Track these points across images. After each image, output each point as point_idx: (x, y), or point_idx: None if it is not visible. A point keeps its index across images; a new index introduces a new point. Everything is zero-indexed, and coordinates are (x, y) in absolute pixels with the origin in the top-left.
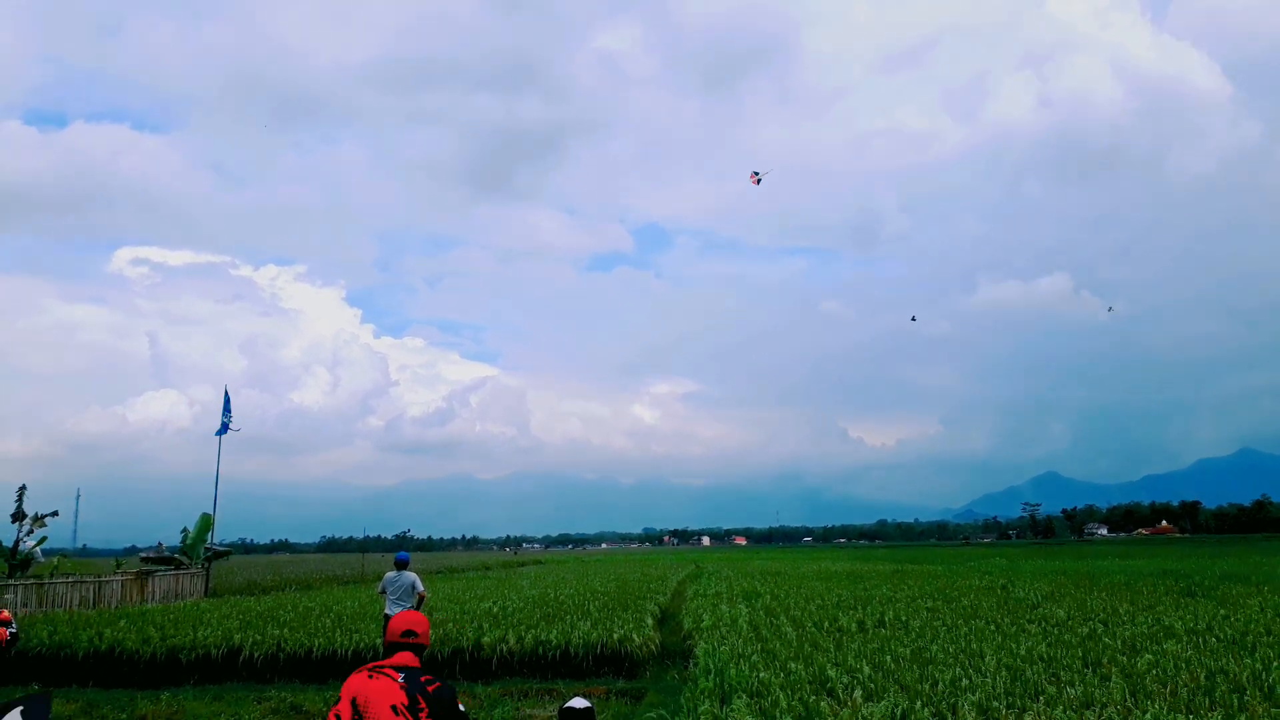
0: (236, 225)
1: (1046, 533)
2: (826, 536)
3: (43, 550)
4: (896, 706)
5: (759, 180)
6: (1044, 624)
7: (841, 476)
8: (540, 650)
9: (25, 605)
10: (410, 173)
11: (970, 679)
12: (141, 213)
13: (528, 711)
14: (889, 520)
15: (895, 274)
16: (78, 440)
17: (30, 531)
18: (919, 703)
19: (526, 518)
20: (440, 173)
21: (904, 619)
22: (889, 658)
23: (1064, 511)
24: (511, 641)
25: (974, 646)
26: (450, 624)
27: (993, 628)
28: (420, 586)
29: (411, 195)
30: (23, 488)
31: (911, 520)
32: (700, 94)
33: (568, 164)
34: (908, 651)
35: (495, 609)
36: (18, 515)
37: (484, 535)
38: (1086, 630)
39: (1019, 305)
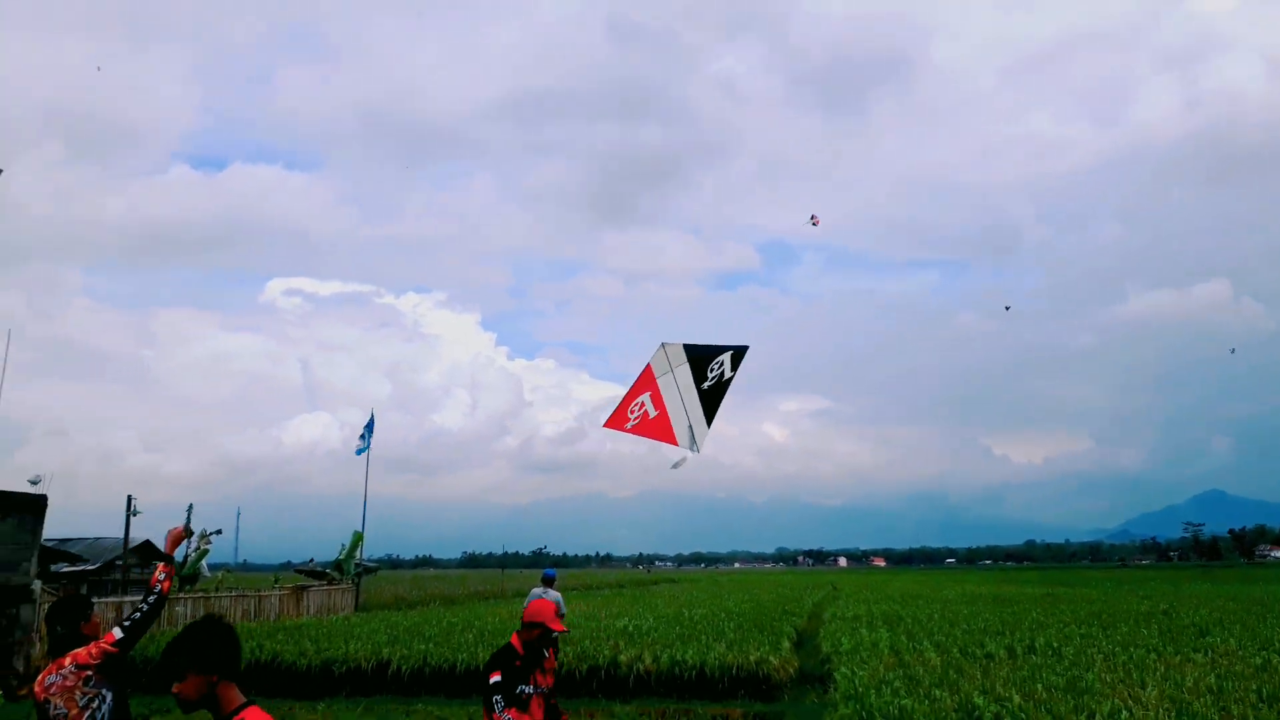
0: (379, 256)
1: (1212, 554)
2: (970, 558)
3: (207, 565)
4: None
5: (817, 223)
6: (1211, 653)
7: (984, 495)
8: (676, 670)
9: (193, 617)
10: (537, 202)
11: (1130, 711)
12: (292, 246)
13: None
14: (1037, 541)
15: (1035, 284)
16: (237, 461)
17: (198, 547)
18: None
19: (657, 536)
20: (565, 201)
21: (1056, 645)
22: (1040, 686)
23: (1231, 532)
24: (648, 660)
25: (1134, 676)
26: (587, 641)
27: (1154, 656)
28: (563, 606)
29: (539, 223)
30: (190, 506)
31: (1062, 541)
32: (822, 110)
33: (690, 186)
34: (1061, 680)
35: (630, 627)
36: (187, 532)
37: (616, 553)
38: (1260, 661)
39: (1174, 314)
